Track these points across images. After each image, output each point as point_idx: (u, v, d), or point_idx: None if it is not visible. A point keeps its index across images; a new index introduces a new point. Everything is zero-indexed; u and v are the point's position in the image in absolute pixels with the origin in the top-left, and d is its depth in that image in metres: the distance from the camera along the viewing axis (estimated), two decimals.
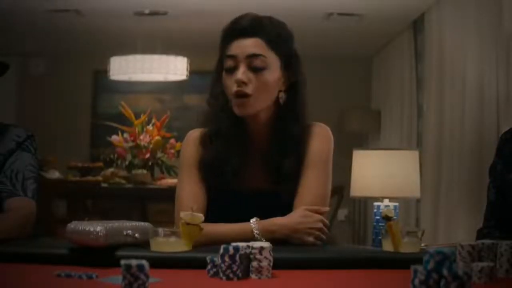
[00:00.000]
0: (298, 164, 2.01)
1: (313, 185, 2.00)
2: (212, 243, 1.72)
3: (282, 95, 2.01)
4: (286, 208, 1.98)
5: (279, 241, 1.85)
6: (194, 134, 2.09)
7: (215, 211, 2.00)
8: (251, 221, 1.90)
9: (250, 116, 2.00)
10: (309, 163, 2.02)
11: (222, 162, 2.00)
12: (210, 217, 1.93)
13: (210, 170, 2.01)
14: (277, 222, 1.91)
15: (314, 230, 1.92)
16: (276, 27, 2.01)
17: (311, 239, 1.91)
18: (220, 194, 2.02)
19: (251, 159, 2.03)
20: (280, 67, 1.99)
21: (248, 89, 1.95)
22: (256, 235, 1.88)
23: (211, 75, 2.07)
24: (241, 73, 1.94)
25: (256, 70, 1.96)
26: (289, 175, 2.00)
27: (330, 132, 2.08)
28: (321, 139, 2.05)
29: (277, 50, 1.98)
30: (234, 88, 1.95)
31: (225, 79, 1.99)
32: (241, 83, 1.94)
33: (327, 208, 1.99)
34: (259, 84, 1.95)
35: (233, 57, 1.96)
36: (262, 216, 1.92)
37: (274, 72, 1.98)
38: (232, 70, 1.97)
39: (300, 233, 1.90)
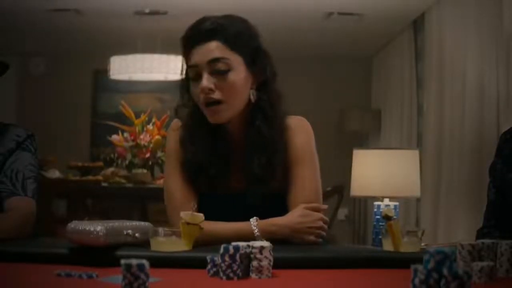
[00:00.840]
0: (278, 162, 1.96)
1: (306, 181, 1.98)
2: (210, 241, 1.71)
3: (253, 92, 1.96)
4: (271, 208, 1.95)
5: (278, 240, 1.84)
6: (176, 126, 2.05)
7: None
8: (251, 220, 1.89)
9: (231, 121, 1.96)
10: (297, 160, 1.98)
11: (200, 167, 1.96)
12: None
13: (190, 173, 1.98)
14: (277, 222, 1.90)
15: (314, 229, 1.91)
16: (235, 26, 1.93)
17: (312, 238, 1.90)
18: (202, 197, 1.99)
19: (232, 161, 1.99)
20: (245, 66, 1.93)
21: (217, 95, 1.89)
22: (256, 235, 1.87)
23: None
24: (205, 80, 1.88)
25: (220, 73, 1.89)
26: (269, 174, 1.95)
27: (309, 123, 2.04)
28: (304, 134, 2.01)
29: (239, 50, 1.92)
30: (202, 96, 1.90)
31: (193, 88, 1.93)
32: (207, 90, 1.89)
33: (326, 206, 1.98)
34: (227, 87, 1.90)
35: (195, 66, 1.91)
36: (247, 218, 1.90)
37: (239, 73, 1.92)
38: (197, 78, 1.91)
39: (301, 233, 1.90)
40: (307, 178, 1.98)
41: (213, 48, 1.90)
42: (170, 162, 2.04)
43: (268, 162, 1.95)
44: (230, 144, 2.00)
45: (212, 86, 1.89)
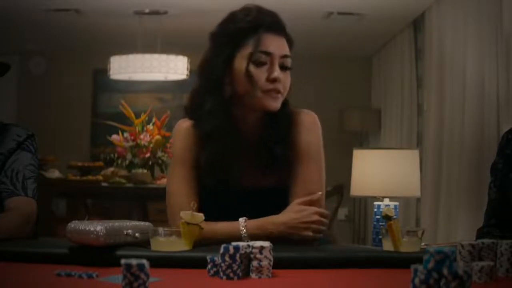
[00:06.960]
0: (288, 155, 1.98)
1: (310, 177, 1.98)
2: (201, 241, 1.70)
3: None
4: (280, 203, 1.95)
5: (277, 238, 1.82)
6: (185, 125, 2.03)
7: (208, 211, 1.89)
8: (240, 220, 1.88)
9: (251, 114, 1.99)
10: (304, 156, 1.99)
11: (219, 163, 1.96)
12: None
13: (205, 169, 1.97)
14: (273, 220, 1.89)
15: (310, 223, 1.89)
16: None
17: (309, 233, 1.89)
18: (212, 193, 1.98)
19: (243, 156, 2.00)
20: None
21: (280, 87, 1.96)
22: (243, 235, 1.86)
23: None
24: (278, 72, 1.95)
25: (284, 69, 1.97)
26: (281, 168, 1.97)
27: (317, 118, 2.06)
28: (314, 132, 2.03)
29: (291, 50, 2.01)
30: (268, 85, 1.93)
31: (255, 71, 1.94)
32: (279, 80, 1.94)
33: (320, 193, 1.96)
34: (285, 83, 1.97)
35: (268, 53, 1.95)
36: (257, 213, 1.90)
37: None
38: (262, 65, 1.95)
39: (297, 229, 1.88)
40: (312, 175, 1.99)
41: (285, 44, 1.99)
42: (177, 162, 2.01)
43: (279, 157, 1.97)
44: (245, 139, 2.01)
45: (281, 79, 1.95)
